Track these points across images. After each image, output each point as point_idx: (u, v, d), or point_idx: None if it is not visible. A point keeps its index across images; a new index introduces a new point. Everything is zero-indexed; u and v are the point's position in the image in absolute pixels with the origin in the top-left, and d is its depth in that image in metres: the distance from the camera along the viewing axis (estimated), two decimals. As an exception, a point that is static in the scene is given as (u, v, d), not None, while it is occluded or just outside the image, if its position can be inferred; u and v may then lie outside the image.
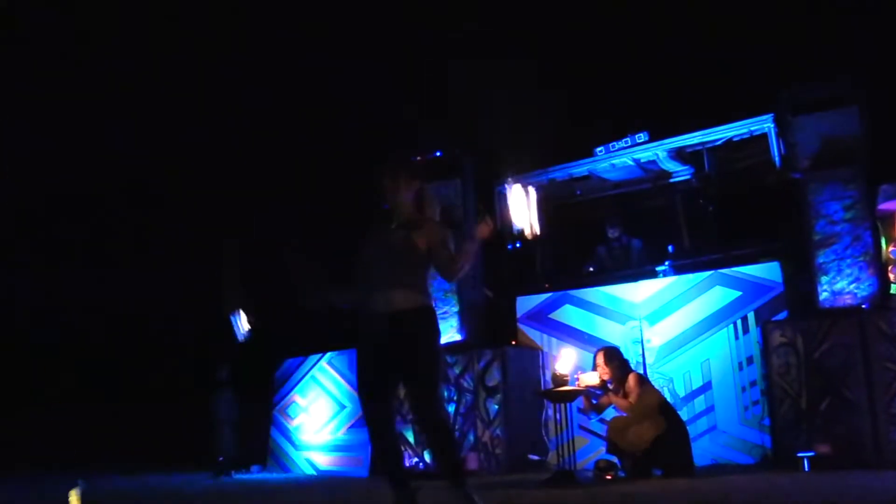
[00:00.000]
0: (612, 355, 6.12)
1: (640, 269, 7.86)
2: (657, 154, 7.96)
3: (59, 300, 9.65)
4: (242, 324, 4.67)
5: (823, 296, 6.35)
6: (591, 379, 5.97)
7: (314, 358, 8.65)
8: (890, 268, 6.21)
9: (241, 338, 4.66)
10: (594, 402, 6.12)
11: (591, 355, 6.37)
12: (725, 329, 6.94)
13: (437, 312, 3.96)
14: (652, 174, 8.39)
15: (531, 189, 4.41)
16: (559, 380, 6.00)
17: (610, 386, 6.05)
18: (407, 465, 3.81)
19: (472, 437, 7.31)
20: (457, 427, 7.37)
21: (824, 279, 6.35)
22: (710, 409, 6.88)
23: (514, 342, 7.88)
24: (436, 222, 3.95)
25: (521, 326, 7.94)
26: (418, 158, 8.37)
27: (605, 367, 6.03)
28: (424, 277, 3.87)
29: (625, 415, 5.98)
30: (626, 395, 5.96)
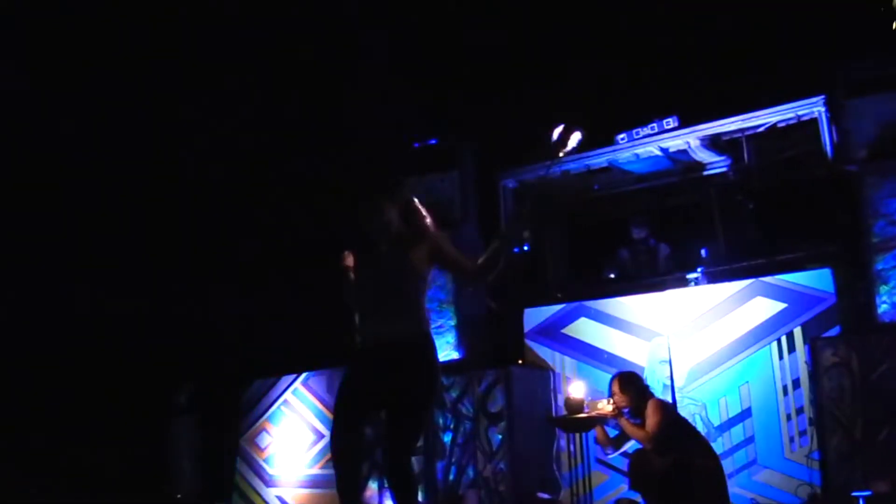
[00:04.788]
0: (629, 381, 6.05)
1: (668, 277, 7.85)
2: (688, 142, 7.96)
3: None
4: None
5: (883, 308, 6.36)
6: (603, 408, 5.91)
7: (288, 379, 8.61)
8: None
9: None
10: (612, 434, 6.06)
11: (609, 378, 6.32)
12: (768, 347, 6.91)
13: (433, 325, 4.04)
14: (682, 166, 8.39)
15: None
16: (573, 405, 5.93)
17: (627, 415, 5.99)
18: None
19: (471, 472, 7.27)
20: (454, 460, 7.34)
21: (884, 289, 6.36)
22: (749, 441, 6.86)
23: (520, 361, 7.85)
24: (430, 231, 4.07)
25: (528, 343, 7.91)
26: (416, 146, 8.38)
27: (621, 394, 5.96)
28: (422, 304, 4.03)
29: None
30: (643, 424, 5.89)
